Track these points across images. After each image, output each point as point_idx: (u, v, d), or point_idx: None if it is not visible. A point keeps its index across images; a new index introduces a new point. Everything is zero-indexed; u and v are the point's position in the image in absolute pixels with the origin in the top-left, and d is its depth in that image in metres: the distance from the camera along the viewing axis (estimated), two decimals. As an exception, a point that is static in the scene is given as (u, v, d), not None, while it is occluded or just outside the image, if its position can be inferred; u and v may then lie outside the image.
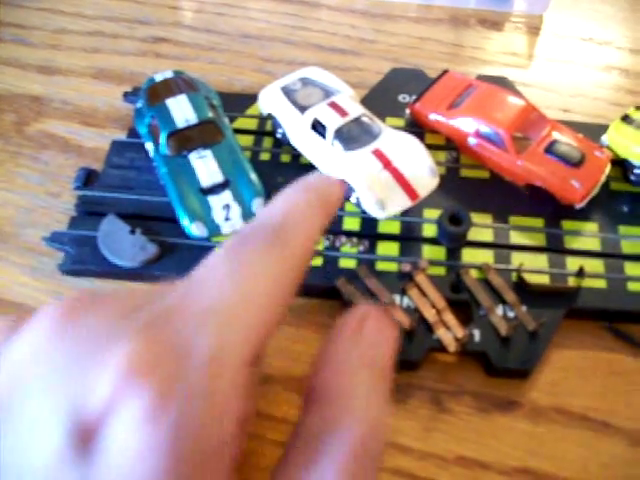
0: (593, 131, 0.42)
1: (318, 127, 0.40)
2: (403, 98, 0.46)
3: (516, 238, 0.38)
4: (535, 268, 0.36)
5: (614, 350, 0.35)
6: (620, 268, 0.36)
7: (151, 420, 0.14)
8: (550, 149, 0.39)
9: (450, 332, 0.33)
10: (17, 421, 0.14)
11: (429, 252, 0.37)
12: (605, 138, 0.41)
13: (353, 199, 0.38)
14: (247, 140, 0.43)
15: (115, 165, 0.42)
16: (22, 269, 0.39)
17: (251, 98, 0.45)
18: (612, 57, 0.52)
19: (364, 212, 0.38)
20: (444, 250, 0.37)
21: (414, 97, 0.45)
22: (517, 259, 0.37)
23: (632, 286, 0.36)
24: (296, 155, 0.42)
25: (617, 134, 0.40)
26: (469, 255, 0.37)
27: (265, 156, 0.43)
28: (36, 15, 0.56)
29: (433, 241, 0.38)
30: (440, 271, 0.36)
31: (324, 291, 0.36)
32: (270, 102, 0.43)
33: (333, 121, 0.39)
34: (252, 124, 0.44)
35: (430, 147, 0.40)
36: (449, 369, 0.34)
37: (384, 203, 0.37)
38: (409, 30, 0.54)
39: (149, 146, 0.41)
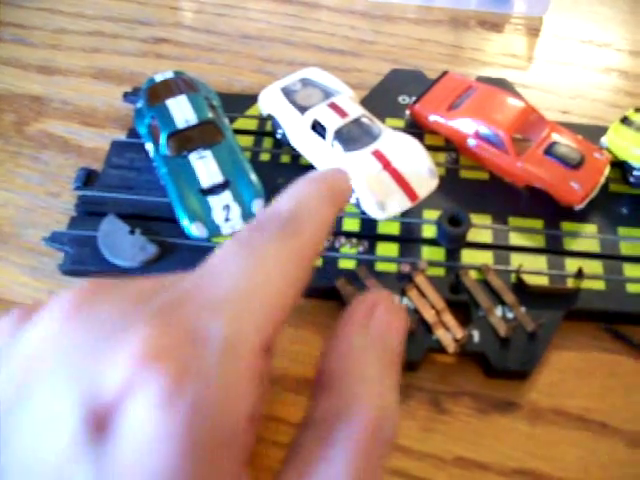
0: (592, 133, 0.42)
1: (318, 128, 0.40)
2: (403, 99, 0.46)
3: (515, 239, 0.38)
4: (534, 269, 0.36)
5: (613, 351, 0.35)
6: (619, 270, 0.36)
7: (167, 405, 0.14)
8: (550, 151, 0.39)
9: (449, 333, 0.33)
10: (32, 407, 0.14)
11: (428, 253, 0.37)
12: (604, 140, 0.41)
13: (353, 200, 0.38)
14: (247, 141, 0.43)
15: (115, 165, 0.42)
16: (22, 269, 0.39)
17: (251, 99, 0.45)
18: (611, 59, 0.52)
19: (364, 213, 0.38)
20: (443, 251, 0.37)
21: (414, 98, 0.45)
22: (516, 260, 0.37)
23: (631, 287, 0.36)
24: (296, 156, 0.42)
25: (616, 136, 0.41)
26: (468, 256, 0.37)
27: (265, 157, 0.43)
28: (36, 15, 0.56)
29: (432, 242, 0.38)
30: (439, 272, 0.36)
31: (323, 292, 0.36)
32: (270, 103, 0.43)
33: (333, 122, 0.39)
34: (252, 125, 0.44)
35: (430, 148, 0.40)
36: (448, 370, 0.34)
37: (384, 204, 0.37)
38: (409, 31, 0.55)
39: (149, 146, 0.41)
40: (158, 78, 0.43)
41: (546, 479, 0.31)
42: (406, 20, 0.56)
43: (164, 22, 0.55)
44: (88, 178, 0.41)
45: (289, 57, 0.52)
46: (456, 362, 0.34)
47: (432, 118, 0.43)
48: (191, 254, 0.37)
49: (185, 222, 0.37)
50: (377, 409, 0.16)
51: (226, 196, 0.39)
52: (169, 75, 0.44)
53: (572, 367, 0.34)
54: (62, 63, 0.51)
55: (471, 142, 0.41)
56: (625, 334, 0.35)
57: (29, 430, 0.14)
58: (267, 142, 0.43)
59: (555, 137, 0.40)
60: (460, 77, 0.45)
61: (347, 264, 0.37)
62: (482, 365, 0.34)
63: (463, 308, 0.35)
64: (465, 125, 0.41)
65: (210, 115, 0.41)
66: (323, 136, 0.39)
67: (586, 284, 0.36)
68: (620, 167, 0.41)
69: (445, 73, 0.46)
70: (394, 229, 0.38)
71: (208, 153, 0.40)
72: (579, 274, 0.36)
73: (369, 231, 0.38)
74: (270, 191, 0.39)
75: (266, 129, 0.44)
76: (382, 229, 0.38)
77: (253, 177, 0.39)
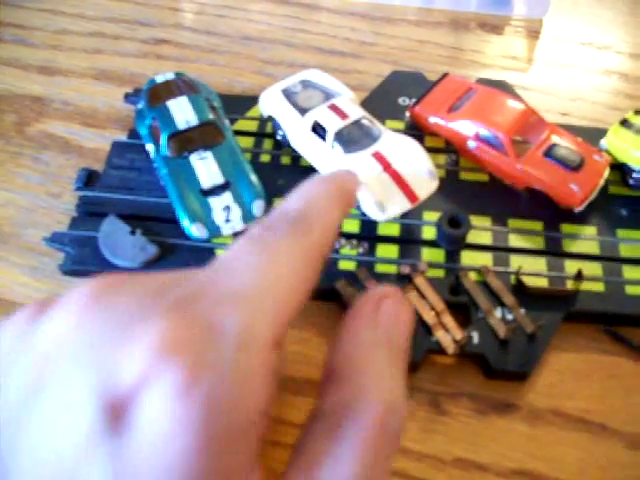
0: (592, 135, 0.42)
1: (318, 129, 0.40)
2: (403, 101, 0.46)
3: (515, 241, 0.38)
4: (534, 271, 0.36)
5: (612, 353, 0.35)
6: (618, 271, 0.37)
7: (183, 396, 0.14)
8: (549, 153, 0.39)
9: (449, 334, 0.34)
10: (49, 397, 0.14)
11: (428, 254, 0.37)
12: (604, 142, 0.41)
13: (353, 201, 0.38)
14: (247, 142, 0.43)
15: (116, 166, 0.42)
16: (22, 269, 0.39)
17: (252, 100, 0.45)
18: (611, 61, 0.52)
19: (364, 214, 0.38)
20: (443, 252, 0.37)
21: (414, 100, 0.45)
22: (516, 262, 0.37)
23: (630, 289, 0.36)
24: (296, 157, 0.42)
25: (616, 138, 0.41)
26: (468, 258, 0.37)
27: (265, 158, 0.43)
28: (37, 16, 0.56)
29: (432, 243, 0.38)
30: (439, 273, 0.36)
31: (323, 293, 0.36)
32: (270, 104, 0.43)
33: (333, 123, 0.39)
34: (252, 126, 0.44)
35: (430, 150, 0.40)
36: (448, 371, 0.34)
37: (384, 205, 0.37)
38: (409, 33, 0.55)
39: (150, 147, 0.41)
40: (159, 79, 0.43)
41: (545, 480, 0.31)
42: (406, 22, 0.56)
43: (165, 23, 0.55)
44: (89, 179, 0.41)
45: (290, 59, 0.52)
46: (456, 363, 0.35)
47: (432, 120, 0.43)
48: (191, 255, 0.37)
49: (185, 223, 0.37)
50: (385, 403, 0.16)
51: (226, 197, 0.39)
52: (170, 76, 0.44)
53: (571, 368, 0.34)
54: (63, 64, 0.52)
55: (471, 144, 0.41)
56: (624, 336, 0.35)
57: (46, 420, 0.14)
58: (267, 143, 0.43)
59: (555, 139, 0.40)
60: (460, 79, 0.46)
61: (347, 265, 0.37)
62: (481, 366, 0.34)
63: (463, 309, 0.35)
64: (465, 127, 0.41)
65: (211, 116, 0.41)
66: (323, 138, 0.39)
67: (585, 286, 0.36)
68: (619, 169, 0.41)
69: (445, 75, 0.46)
70: (394, 230, 0.38)
71: (209, 154, 0.40)
72: (578, 276, 0.36)
73: (369, 232, 0.38)
74: (270, 192, 0.40)
75: (266, 130, 0.44)
76: (382, 230, 0.38)
77: (253, 178, 0.40)
